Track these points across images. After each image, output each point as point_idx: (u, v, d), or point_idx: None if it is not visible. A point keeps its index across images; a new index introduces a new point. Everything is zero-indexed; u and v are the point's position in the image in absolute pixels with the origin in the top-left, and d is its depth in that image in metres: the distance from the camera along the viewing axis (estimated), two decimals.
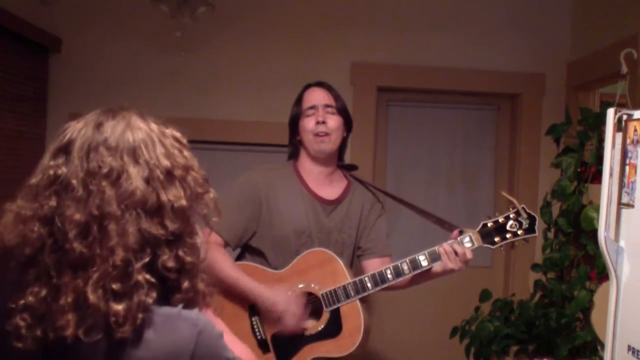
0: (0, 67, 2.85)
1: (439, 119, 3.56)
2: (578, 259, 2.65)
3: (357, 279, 2.02)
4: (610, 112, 1.74)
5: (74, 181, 0.92)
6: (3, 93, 2.87)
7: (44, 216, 0.92)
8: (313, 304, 2.08)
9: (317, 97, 2.16)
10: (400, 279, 2.01)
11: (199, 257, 1.00)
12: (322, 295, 2.03)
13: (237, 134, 3.32)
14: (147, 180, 0.94)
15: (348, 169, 2.28)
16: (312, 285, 2.06)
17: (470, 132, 3.57)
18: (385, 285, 2.02)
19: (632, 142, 1.68)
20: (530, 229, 2.02)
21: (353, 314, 2.02)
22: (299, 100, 2.20)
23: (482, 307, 2.88)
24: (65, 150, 0.97)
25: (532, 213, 2.03)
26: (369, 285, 2.01)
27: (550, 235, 2.79)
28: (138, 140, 0.97)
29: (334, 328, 2.03)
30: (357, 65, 3.37)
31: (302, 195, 2.15)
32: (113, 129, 0.97)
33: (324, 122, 2.10)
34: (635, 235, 1.68)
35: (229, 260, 2.09)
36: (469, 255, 1.99)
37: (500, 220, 2.02)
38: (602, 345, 2.05)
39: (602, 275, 2.29)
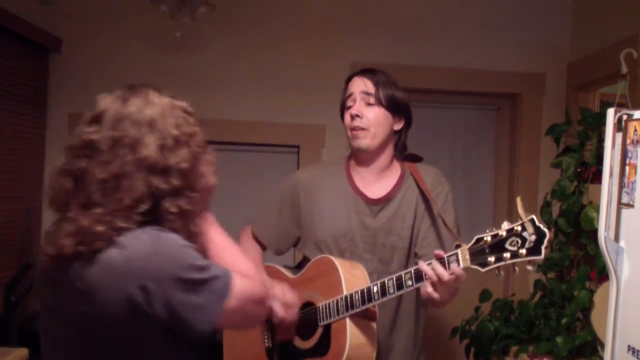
0: (0, 67, 2.85)
1: (439, 119, 3.56)
2: (578, 259, 2.64)
3: (348, 293, 1.75)
4: (610, 112, 1.73)
5: (103, 147, 1.16)
6: (3, 93, 2.87)
7: (74, 174, 1.17)
8: (310, 316, 1.87)
9: (356, 83, 1.92)
10: (386, 299, 1.72)
11: (198, 206, 1.24)
12: (319, 307, 1.82)
13: (237, 134, 3.32)
14: (160, 147, 1.17)
15: (411, 159, 1.97)
16: (315, 296, 1.85)
17: (470, 132, 3.57)
18: (372, 304, 1.73)
19: (632, 142, 1.68)
20: (535, 249, 1.50)
21: (341, 332, 1.76)
22: (345, 86, 1.97)
23: (482, 307, 2.88)
24: (97, 120, 1.19)
25: (542, 227, 1.50)
26: (358, 302, 1.72)
27: (551, 235, 2.79)
28: (154, 114, 1.20)
29: (324, 345, 1.80)
30: (357, 65, 3.33)
31: (346, 195, 1.91)
32: (138, 106, 1.21)
33: (357, 116, 1.86)
34: (635, 235, 1.68)
35: (253, 259, 1.88)
36: (457, 277, 1.62)
37: (501, 234, 1.55)
38: (602, 345, 2.05)
39: (602, 275, 2.29)
